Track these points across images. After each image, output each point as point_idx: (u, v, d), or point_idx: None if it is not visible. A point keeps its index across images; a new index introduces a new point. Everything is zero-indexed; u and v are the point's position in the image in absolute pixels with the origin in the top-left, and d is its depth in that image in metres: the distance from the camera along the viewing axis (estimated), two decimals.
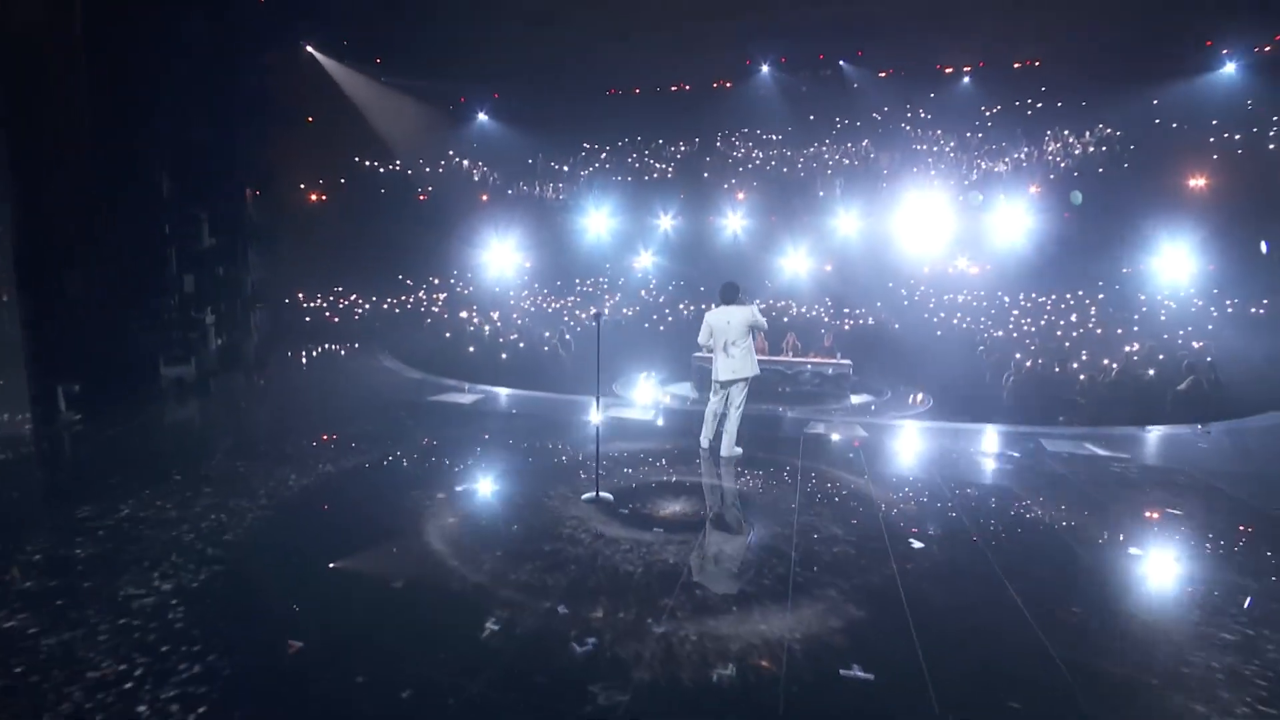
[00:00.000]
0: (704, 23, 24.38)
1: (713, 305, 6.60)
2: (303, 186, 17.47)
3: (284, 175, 11.84)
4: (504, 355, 12.41)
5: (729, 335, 6.24)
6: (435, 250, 18.89)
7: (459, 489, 5.22)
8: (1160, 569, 4.11)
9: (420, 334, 14.84)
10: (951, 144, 21.66)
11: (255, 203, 9.68)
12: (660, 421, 8.18)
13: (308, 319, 16.22)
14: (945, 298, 19.01)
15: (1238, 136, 18.40)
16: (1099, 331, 15.15)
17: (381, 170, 19.72)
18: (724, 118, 23.95)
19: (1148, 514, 5.04)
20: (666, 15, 24.35)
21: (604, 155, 23.29)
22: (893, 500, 5.14)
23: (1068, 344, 14.13)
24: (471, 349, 12.66)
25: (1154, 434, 7.75)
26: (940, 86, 23.76)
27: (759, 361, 13.67)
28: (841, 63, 24.10)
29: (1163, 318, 15.64)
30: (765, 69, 24.60)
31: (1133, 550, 4.32)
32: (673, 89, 26.15)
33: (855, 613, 3.32)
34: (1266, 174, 16.82)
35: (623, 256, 19.59)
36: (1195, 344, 13.24)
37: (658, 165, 22.80)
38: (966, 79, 23.78)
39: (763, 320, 6.43)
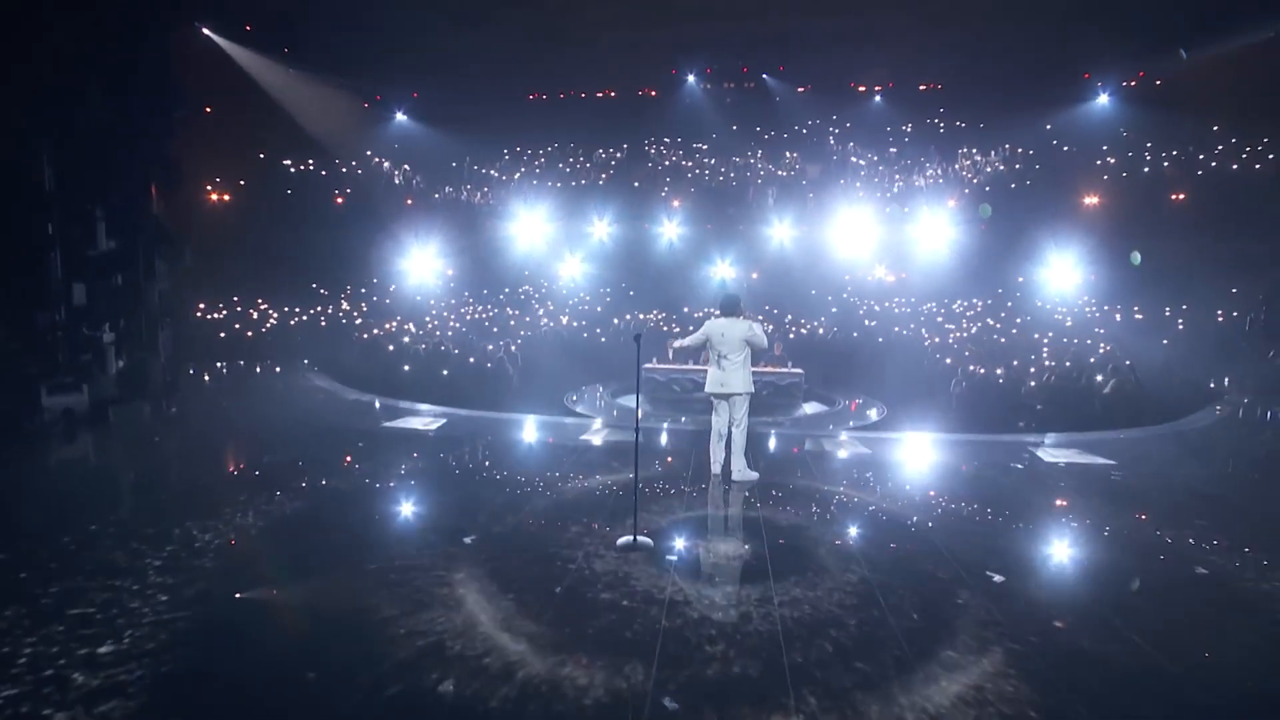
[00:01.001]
0: (629, 32, 24.07)
1: (714, 313, 6.13)
2: (207, 186, 15.43)
3: (191, 169, 10.19)
4: (446, 371, 11.30)
5: (723, 348, 5.82)
6: (354, 257, 17.26)
7: (468, 540, 4.33)
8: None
9: (350, 349, 13.37)
10: (873, 158, 22.36)
11: (162, 199, 8.19)
12: (648, 440, 7.52)
13: (222, 334, 14.27)
14: (873, 305, 19.47)
15: (1111, 160, 20.09)
16: (1018, 336, 15.90)
17: (294, 169, 17.83)
18: (653, 125, 23.66)
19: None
20: (592, 21, 23.83)
21: (534, 160, 22.36)
22: (937, 519, 4.78)
23: (994, 350, 14.69)
24: (407, 366, 11.45)
25: (1126, 437, 7.95)
26: (855, 103, 24.62)
27: (704, 371, 13.11)
28: (765, 76, 24.45)
29: (1069, 323, 16.66)
30: (691, 79, 24.57)
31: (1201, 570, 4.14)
32: (599, 95, 25.60)
33: (1028, 691, 2.83)
34: (1143, 194, 18.44)
35: (554, 264, 18.73)
36: (1102, 347, 14.13)
37: (590, 171, 22.10)
38: (879, 98, 24.80)
39: (762, 338, 5.98)
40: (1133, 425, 8.67)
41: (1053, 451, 7.06)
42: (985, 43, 21.70)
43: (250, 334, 14.58)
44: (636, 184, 20.37)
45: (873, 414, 10.80)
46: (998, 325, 17.41)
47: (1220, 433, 8.55)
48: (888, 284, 20.51)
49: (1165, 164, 18.52)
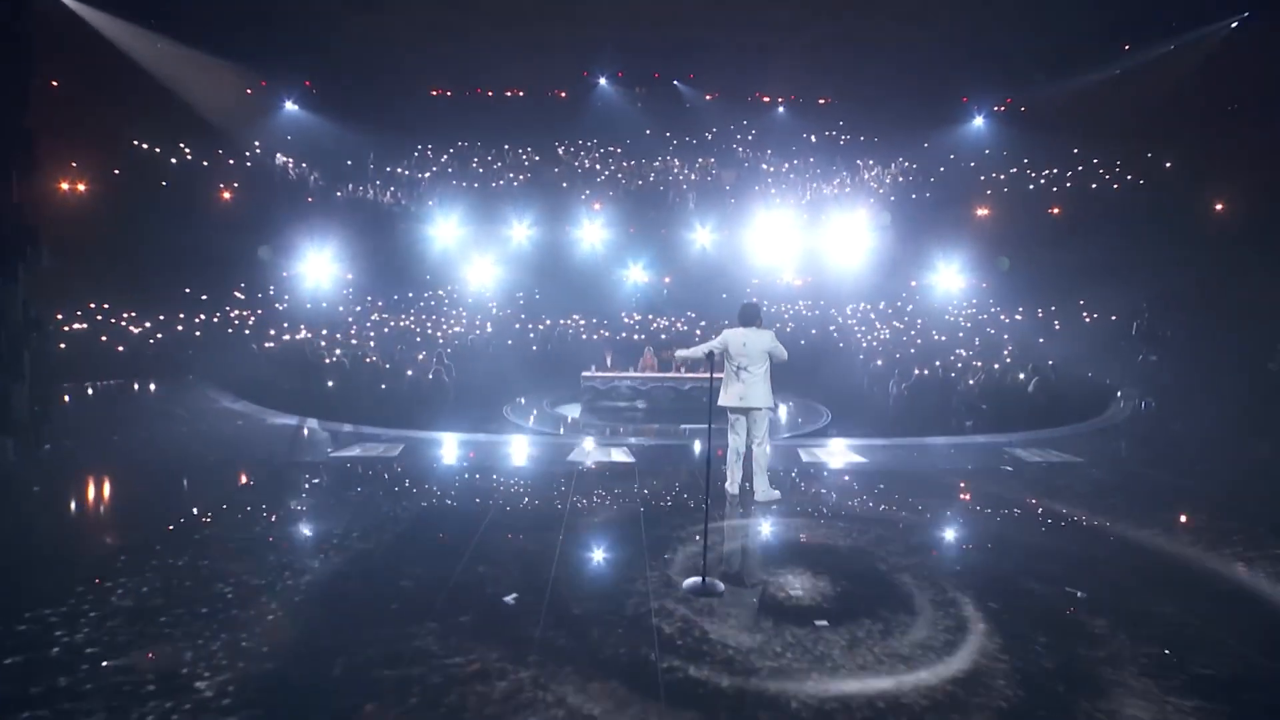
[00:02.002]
0: (537, 29, 23.17)
1: (728, 324, 5.67)
2: (65, 173, 12.84)
3: (47, 153, 8.25)
4: (375, 386, 10.01)
5: (744, 359, 5.35)
6: (243, 259, 15.15)
7: (510, 600, 3.54)
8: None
9: (251, 362, 11.56)
10: (784, 167, 22.86)
11: (22, 187, 6.50)
12: (634, 459, 6.88)
13: (109, 343, 11.83)
14: (783, 309, 19.77)
15: (997, 176, 21.80)
16: (936, 338, 16.66)
17: (172, 159, 15.33)
18: (566, 127, 22.89)
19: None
20: (496, 16, 22.70)
21: (442, 159, 20.86)
22: (1007, 533, 4.56)
23: (912, 350, 15.33)
24: (331, 382, 10.03)
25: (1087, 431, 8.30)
26: (761, 113, 25.18)
27: (648, 378, 12.56)
28: (676, 82, 24.39)
29: (968, 325, 17.77)
30: (603, 81, 24.05)
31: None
32: (508, 94, 24.45)
33: None
34: (1022, 207, 20.11)
35: (468, 269, 17.49)
36: (1006, 351, 15.13)
37: (503, 172, 20.95)
38: (781, 109, 25.51)
39: (783, 350, 5.56)
40: (1066, 423, 9.10)
41: (1027, 452, 7.19)
42: (877, 65, 22.97)
43: (122, 348, 12.28)
44: (565, 184, 19.51)
45: (822, 420, 10.74)
46: (901, 326, 18.27)
47: (1144, 426, 9.19)
48: (795, 287, 21.04)
49: (1041, 181, 20.24)
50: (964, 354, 14.18)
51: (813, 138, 24.33)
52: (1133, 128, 17.92)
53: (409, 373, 10.54)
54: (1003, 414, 9.78)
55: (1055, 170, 20.58)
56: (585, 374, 13.01)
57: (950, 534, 4.78)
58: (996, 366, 12.01)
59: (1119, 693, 2.70)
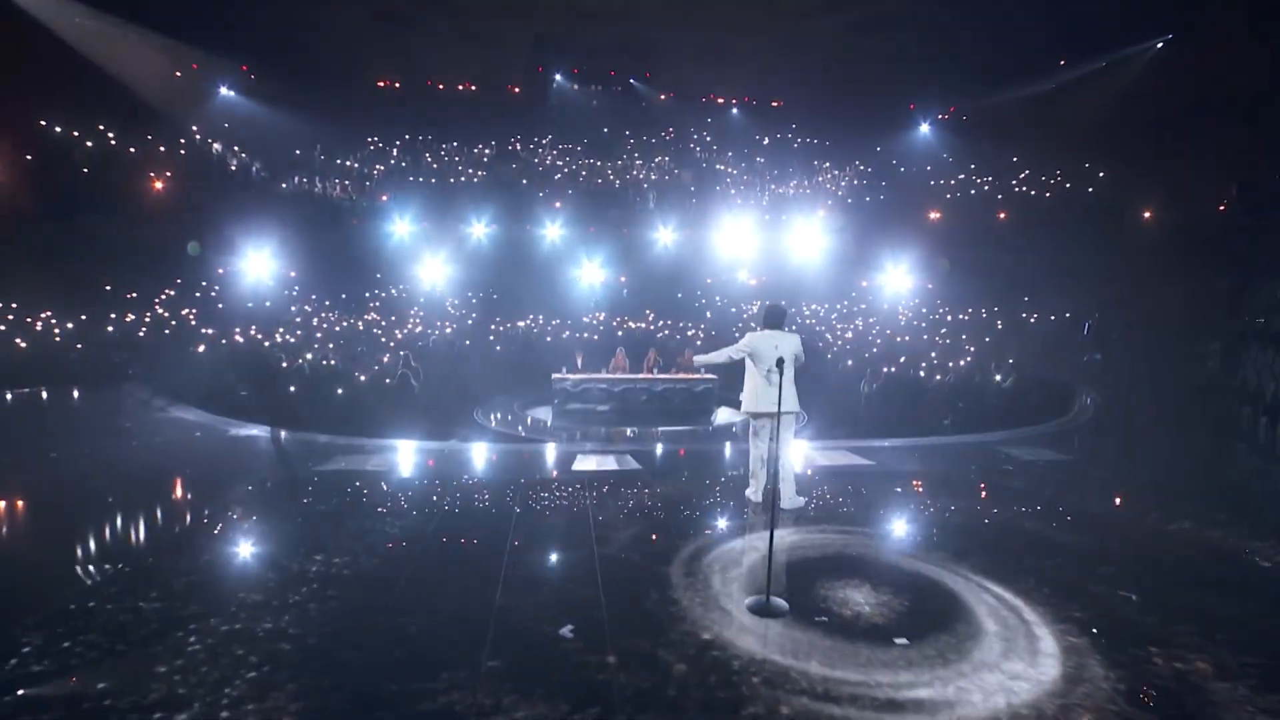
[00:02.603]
0: (489, 21, 22.50)
1: (756, 327, 5.45)
2: None
3: None
4: (341, 390, 9.28)
5: (774, 362, 5.13)
6: (174, 254, 13.89)
7: (567, 633, 3.18)
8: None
9: (195, 366, 10.52)
10: (741, 166, 22.93)
11: None
12: (640, 465, 6.57)
13: (30, 347, 10.45)
14: (743, 308, 19.79)
15: (940, 181, 22.55)
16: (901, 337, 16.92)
17: (90, 145, 13.84)
18: (521, 123, 22.25)
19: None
20: (445, 6, 21.92)
21: (394, 152, 19.87)
22: (1040, 535, 4.49)
23: (874, 350, 15.55)
24: (293, 387, 9.23)
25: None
26: (715, 114, 25.26)
27: (619, 380, 12.28)
28: (632, 81, 24.15)
29: (919, 325, 18.22)
30: (559, 78, 23.56)
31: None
32: (459, 88, 23.61)
33: None
34: (969, 210, 20.84)
35: (421, 267, 16.67)
36: (969, 349, 15.53)
37: (457, 168, 20.15)
38: (735, 110, 25.67)
39: (802, 354, 5.39)
40: (1043, 421, 9.31)
41: (1022, 451, 7.27)
42: (829, 70, 23.45)
43: (23, 344, 10.93)
44: (525, 181, 18.86)
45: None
46: (862, 326, 18.58)
47: (1109, 424, 9.49)
48: (750, 286, 21.13)
49: (986, 188, 21.03)
50: (932, 353, 14.47)
51: (766, 140, 24.56)
52: (1070, 139, 18.86)
53: (364, 378, 9.81)
54: (983, 412, 9.97)
55: (997, 177, 21.46)
56: (556, 376, 12.60)
57: (987, 534, 4.69)
58: (964, 364, 12.30)
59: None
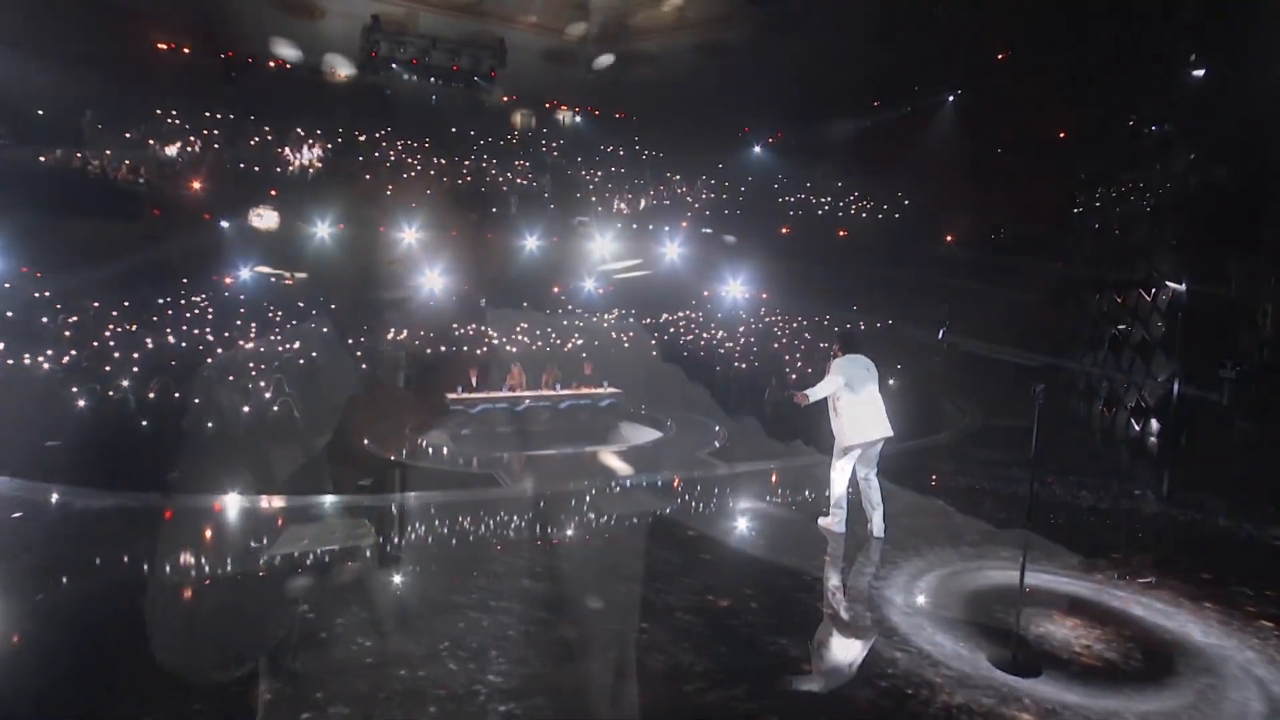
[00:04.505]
0: None
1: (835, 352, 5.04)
2: None
3: None
4: (210, 424, 6.93)
5: (870, 385, 4.77)
6: None
7: None
8: None
9: None
10: (594, 174, 22.51)
11: None
12: (656, 498, 5.71)
13: None
14: (594, 318, 19.18)
15: (781, 199, 24.20)
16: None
17: None
18: (356, 112, 19.47)
19: None
20: None
21: (190, 128, 16.13)
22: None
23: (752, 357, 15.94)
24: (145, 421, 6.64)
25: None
26: (560, 119, 24.62)
27: (521, 397, 11.54)
28: (476, 79, 22.54)
29: (788, 331, 19.18)
30: (395, 66, 21.19)
31: None
32: (270, 65, 20.11)
33: None
34: (808, 227, 22.53)
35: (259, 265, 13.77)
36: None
37: (286, 154, 17.04)
38: (579, 118, 25.27)
39: None
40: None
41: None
42: (670, 87, 24.03)
43: None
44: (368, 175, 16.42)
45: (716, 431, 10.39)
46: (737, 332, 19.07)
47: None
48: (598, 295, 20.74)
49: (823, 209, 23.02)
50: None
51: (610, 148, 24.40)
52: (885, 169, 21.40)
53: (244, 409, 7.54)
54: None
55: (822, 198, 23.63)
56: (451, 396, 11.06)
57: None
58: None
59: None
